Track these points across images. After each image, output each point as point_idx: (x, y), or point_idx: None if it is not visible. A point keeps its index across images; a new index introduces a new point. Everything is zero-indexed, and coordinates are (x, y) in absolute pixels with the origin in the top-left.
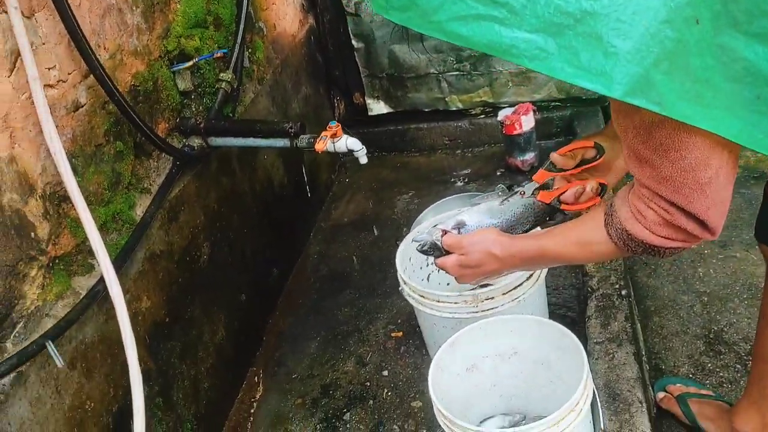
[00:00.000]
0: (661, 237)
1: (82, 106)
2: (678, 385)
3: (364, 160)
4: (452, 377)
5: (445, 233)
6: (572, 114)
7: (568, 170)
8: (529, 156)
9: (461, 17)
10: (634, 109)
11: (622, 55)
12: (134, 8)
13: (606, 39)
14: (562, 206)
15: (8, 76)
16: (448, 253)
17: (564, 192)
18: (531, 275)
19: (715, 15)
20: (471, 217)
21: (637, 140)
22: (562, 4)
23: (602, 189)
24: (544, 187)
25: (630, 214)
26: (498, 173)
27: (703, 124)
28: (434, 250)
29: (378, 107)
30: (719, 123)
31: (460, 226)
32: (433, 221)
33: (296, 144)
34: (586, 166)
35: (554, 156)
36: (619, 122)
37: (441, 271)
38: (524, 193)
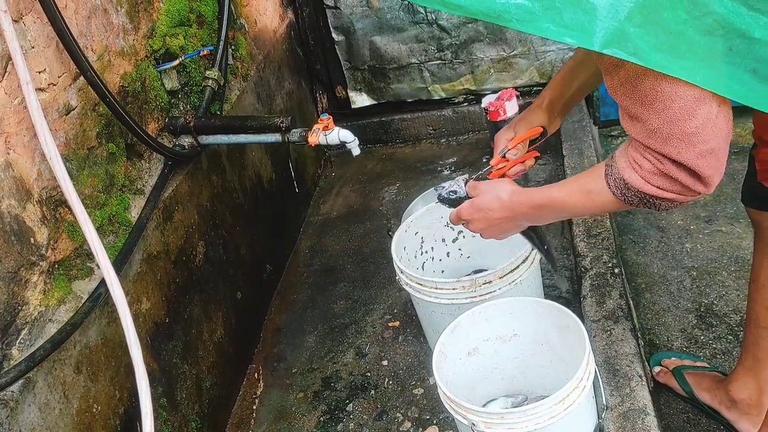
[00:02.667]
0: (656, 187)
1: (74, 109)
2: (673, 358)
3: (356, 151)
4: (455, 362)
5: (468, 181)
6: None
7: (518, 160)
8: None
9: None
10: (619, 66)
11: (599, 11)
12: (119, 8)
13: None
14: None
15: (0, 81)
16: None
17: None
18: (526, 258)
19: None
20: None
21: (625, 97)
22: None
23: (535, 160)
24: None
25: (627, 164)
26: (484, 160)
27: (679, 73)
28: (454, 196)
29: (361, 99)
30: (694, 73)
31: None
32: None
33: (288, 139)
34: (535, 145)
35: (510, 154)
36: (609, 84)
37: (434, 258)
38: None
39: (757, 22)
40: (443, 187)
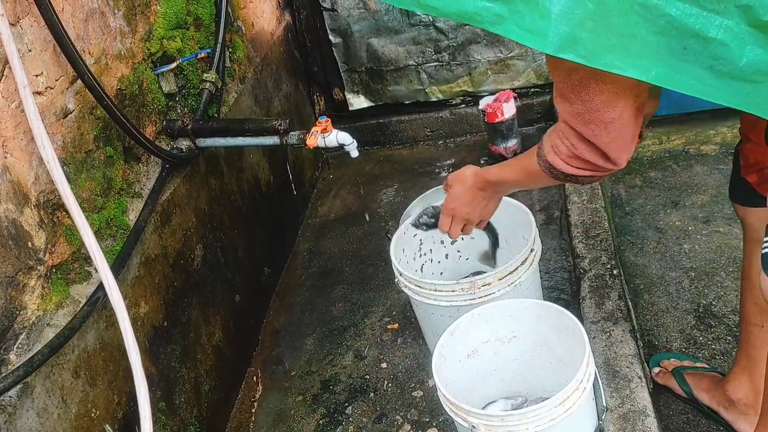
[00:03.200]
0: (573, 167)
1: (71, 113)
2: (672, 359)
3: (355, 153)
4: (454, 364)
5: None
6: (552, 99)
7: None
8: (512, 143)
9: None
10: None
11: (554, 17)
12: (116, 11)
13: (542, 4)
14: None
15: None
16: None
17: None
18: (525, 260)
19: None
20: None
21: (561, 80)
22: None
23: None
24: None
25: (550, 148)
26: (482, 161)
27: (632, 72)
28: (431, 213)
29: (358, 101)
30: (648, 70)
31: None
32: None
33: (286, 141)
34: None
35: None
36: (550, 66)
37: (433, 260)
38: None
39: (711, 22)
40: (416, 218)
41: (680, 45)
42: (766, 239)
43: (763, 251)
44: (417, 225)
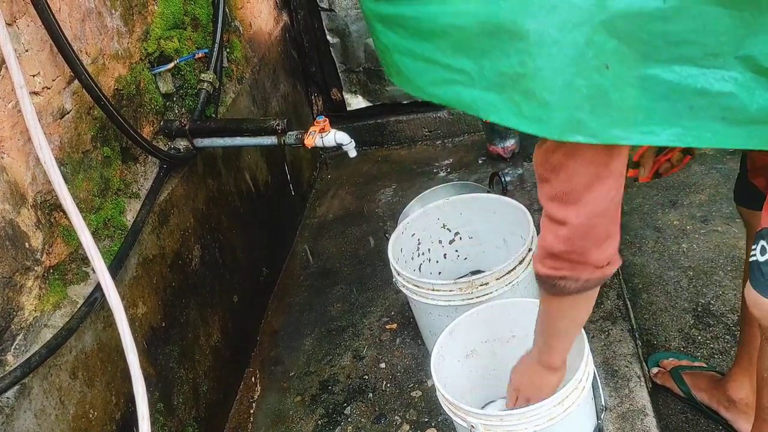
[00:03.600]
0: (548, 268)
1: (68, 113)
2: (671, 359)
3: (353, 153)
4: (453, 364)
5: None
6: None
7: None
8: (510, 143)
9: (434, 81)
10: (544, 140)
11: (552, 105)
12: (113, 11)
13: (538, 93)
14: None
15: None
16: None
17: (657, 168)
18: (523, 260)
19: (623, 58)
20: None
21: (539, 162)
22: (501, 68)
23: (686, 151)
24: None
25: (533, 257)
26: (480, 161)
27: (641, 140)
28: None
29: (356, 102)
30: (658, 136)
31: None
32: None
33: (284, 141)
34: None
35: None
36: (535, 154)
37: (431, 260)
38: None
39: (714, 77)
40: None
41: (686, 105)
42: (753, 246)
43: (751, 259)
44: None
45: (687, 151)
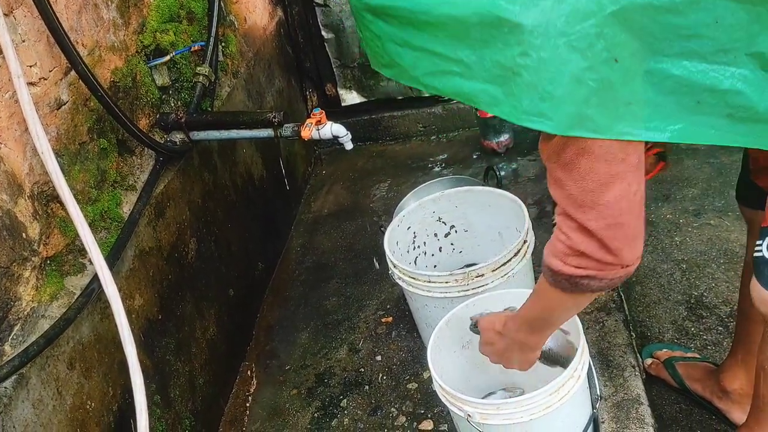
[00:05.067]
0: (573, 266)
1: (65, 104)
2: (664, 350)
3: (349, 146)
4: (449, 355)
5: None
6: None
7: None
8: (504, 137)
9: (432, 73)
10: (550, 135)
11: (556, 98)
12: (109, 3)
13: (540, 87)
14: None
15: None
16: None
17: None
18: (518, 251)
19: (633, 52)
20: None
21: (551, 161)
22: (501, 60)
23: (660, 156)
24: None
25: (549, 252)
26: (474, 156)
27: (646, 135)
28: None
29: (351, 97)
30: (662, 131)
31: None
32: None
33: (280, 133)
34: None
35: None
36: (541, 147)
37: (427, 253)
38: None
39: (723, 74)
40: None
41: (693, 101)
42: (759, 242)
43: (756, 255)
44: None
45: (661, 157)
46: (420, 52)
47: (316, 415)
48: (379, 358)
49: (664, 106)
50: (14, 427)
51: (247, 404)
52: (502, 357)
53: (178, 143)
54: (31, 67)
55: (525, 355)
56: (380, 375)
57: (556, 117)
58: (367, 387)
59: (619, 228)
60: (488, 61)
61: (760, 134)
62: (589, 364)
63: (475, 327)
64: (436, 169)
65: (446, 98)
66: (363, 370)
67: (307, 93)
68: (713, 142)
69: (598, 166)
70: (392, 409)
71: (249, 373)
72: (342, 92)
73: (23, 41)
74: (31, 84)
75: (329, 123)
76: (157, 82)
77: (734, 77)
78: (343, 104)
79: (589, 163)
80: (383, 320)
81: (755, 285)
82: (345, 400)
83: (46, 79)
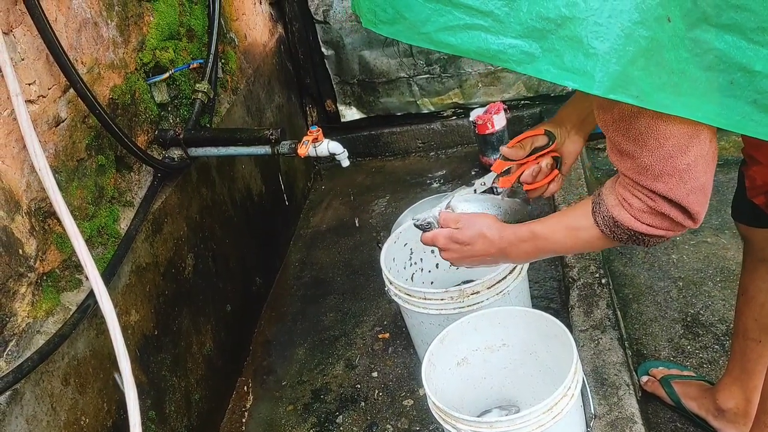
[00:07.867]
0: (646, 224)
1: (63, 121)
2: (660, 368)
3: (346, 163)
4: (444, 372)
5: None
6: (542, 111)
7: (519, 160)
8: None
9: (449, 27)
10: (613, 104)
11: (602, 55)
12: (109, 21)
13: (586, 41)
14: (524, 187)
15: None
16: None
17: (521, 174)
18: (514, 269)
19: (685, 12)
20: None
21: (618, 133)
22: (542, 11)
23: (557, 162)
24: (504, 174)
25: (617, 202)
26: (473, 172)
27: (681, 111)
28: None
29: (350, 113)
30: (696, 109)
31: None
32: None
33: (277, 151)
34: (539, 153)
35: (504, 149)
36: (600, 118)
37: (423, 269)
38: (495, 189)
39: (757, 54)
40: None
41: (727, 79)
42: None
43: None
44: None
45: (556, 164)
46: (438, 4)
47: (312, 431)
48: (375, 374)
49: (701, 83)
50: None
51: (243, 420)
52: (473, 259)
53: (176, 159)
54: (30, 84)
55: (498, 262)
56: (376, 391)
57: (599, 76)
58: (363, 403)
59: (700, 192)
60: (525, 13)
61: None
62: (583, 381)
63: (426, 225)
64: (435, 185)
65: (445, 114)
66: (359, 386)
67: (307, 109)
68: (737, 129)
69: (678, 128)
70: (388, 426)
71: (245, 388)
72: (342, 108)
73: (22, 59)
74: (29, 101)
75: (326, 140)
76: (156, 98)
77: (765, 60)
78: (342, 120)
79: (668, 127)
80: (380, 336)
81: None
82: (341, 417)
83: (44, 97)
